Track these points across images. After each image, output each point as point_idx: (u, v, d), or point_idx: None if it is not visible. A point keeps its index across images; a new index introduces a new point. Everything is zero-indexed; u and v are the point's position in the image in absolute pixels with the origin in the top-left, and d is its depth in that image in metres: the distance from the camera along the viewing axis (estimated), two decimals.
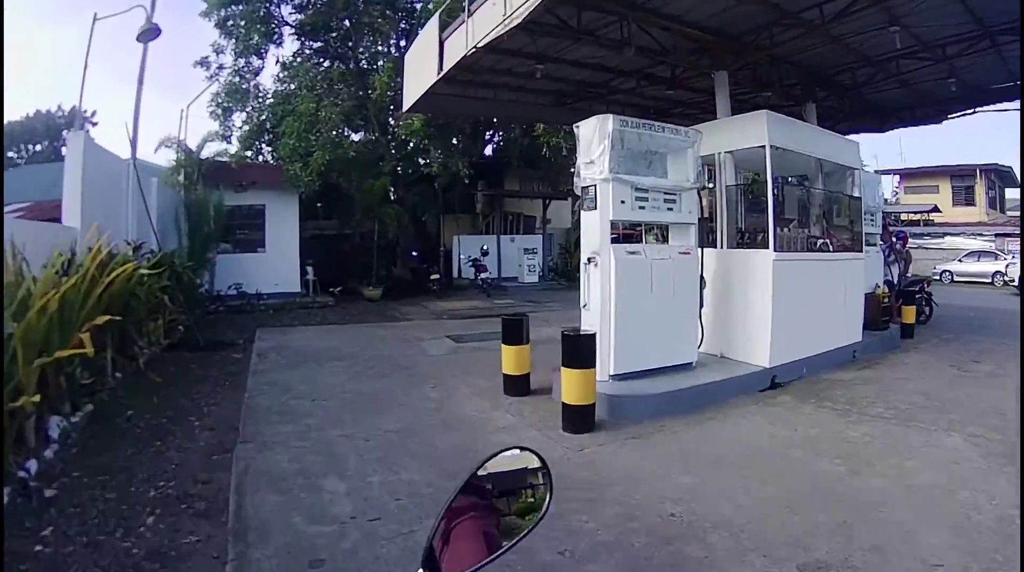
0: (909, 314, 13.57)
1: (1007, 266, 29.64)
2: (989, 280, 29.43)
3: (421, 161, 22.14)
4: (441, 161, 19.11)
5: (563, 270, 27.43)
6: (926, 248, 34.09)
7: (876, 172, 54.70)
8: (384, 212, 20.18)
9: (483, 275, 21.73)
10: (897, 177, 49.11)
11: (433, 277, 21.08)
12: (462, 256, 23.87)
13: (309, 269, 19.27)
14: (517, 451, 1.57)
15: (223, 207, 16.55)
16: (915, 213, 44.40)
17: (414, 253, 22.40)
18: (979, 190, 45.10)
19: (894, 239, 15.52)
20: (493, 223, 26.82)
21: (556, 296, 21.60)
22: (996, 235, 36.93)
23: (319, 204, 21.54)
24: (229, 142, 21.35)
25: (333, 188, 19.94)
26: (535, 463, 1.55)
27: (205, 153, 18.71)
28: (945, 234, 37.81)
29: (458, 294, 21.45)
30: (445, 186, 23.35)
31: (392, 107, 19.95)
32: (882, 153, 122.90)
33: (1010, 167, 45.91)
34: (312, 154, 17.86)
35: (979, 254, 32.09)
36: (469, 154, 20.64)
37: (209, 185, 16.78)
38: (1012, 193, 50.38)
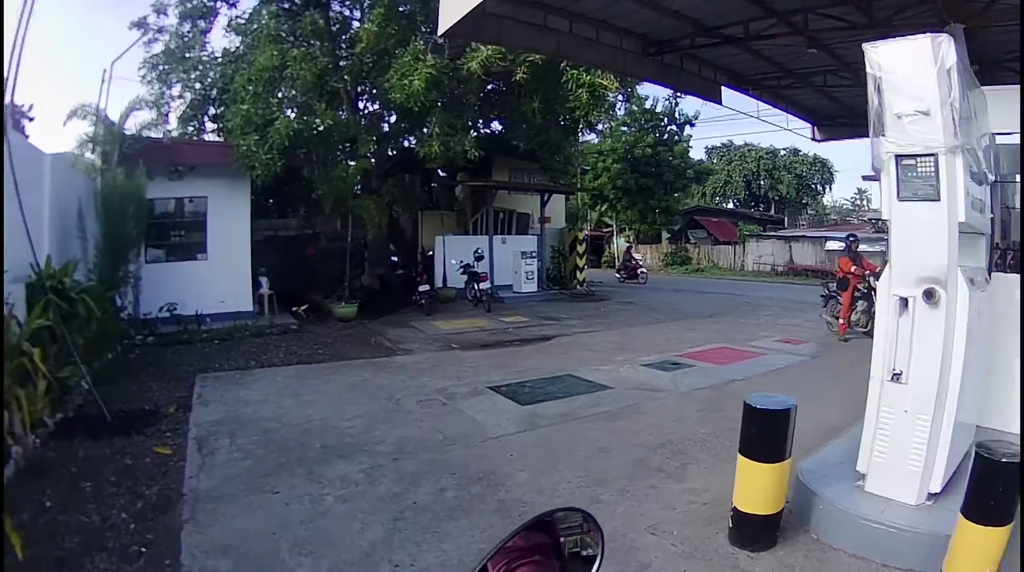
0: None
1: None
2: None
3: (413, 140, 17.23)
4: (442, 140, 14.64)
5: (557, 277, 23.66)
6: None
7: (864, 178, 53.93)
8: (361, 206, 15.54)
9: (482, 285, 17.50)
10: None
11: (422, 288, 16.58)
12: (452, 261, 19.21)
13: (263, 281, 14.58)
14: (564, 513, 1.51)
15: (145, 201, 11.89)
16: None
17: (394, 258, 18.06)
18: None
19: None
20: (481, 222, 22.34)
21: (567, 310, 17.94)
22: None
23: (271, 201, 17.16)
24: (166, 119, 16.78)
25: (294, 175, 15.46)
26: (586, 524, 1.50)
27: (132, 126, 13.92)
28: None
29: (450, 309, 17.23)
30: (424, 177, 19.33)
31: (374, 74, 15.48)
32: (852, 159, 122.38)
33: None
34: (272, 123, 13.29)
35: None
36: (475, 132, 16.27)
37: (134, 170, 11.83)
38: None
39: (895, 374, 4.25)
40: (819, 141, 19.92)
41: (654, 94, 31.69)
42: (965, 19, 7.71)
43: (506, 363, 10.54)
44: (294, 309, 14.46)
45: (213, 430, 6.69)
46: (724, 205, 58.45)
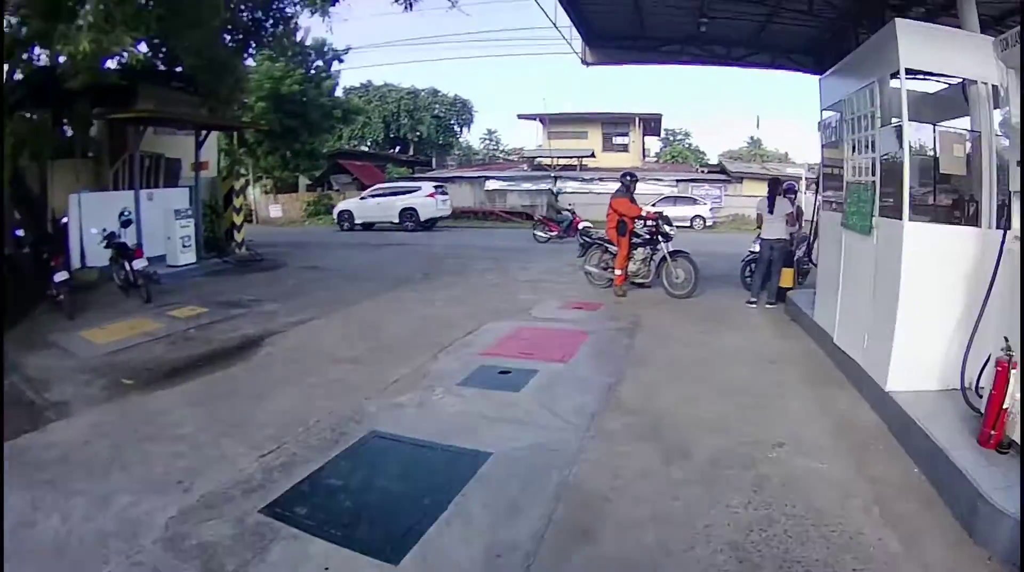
0: (788, 277, 11.89)
1: (710, 209, 35.27)
2: (688, 223, 32.47)
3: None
4: (93, 36, 9.15)
5: (212, 240, 18.60)
6: (597, 193, 35.85)
7: (519, 117, 55.79)
8: None
9: (138, 264, 12.20)
10: (540, 122, 50.25)
11: (58, 277, 10.93)
12: (92, 229, 13.31)
13: None
14: None
15: None
16: (570, 158, 45.16)
17: (17, 231, 12.56)
18: (635, 137, 48.06)
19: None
20: (124, 172, 16.61)
21: (246, 286, 14.09)
22: (678, 182, 40.79)
23: None
24: None
25: None
26: None
27: None
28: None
29: (97, 303, 11.85)
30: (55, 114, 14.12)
31: None
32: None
33: (660, 114, 52.20)
34: None
35: (675, 199, 35.46)
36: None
37: None
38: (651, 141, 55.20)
39: None
40: (589, 64, 18.56)
41: (309, 22, 27.57)
42: None
43: (235, 415, 6.44)
44: None
45: None
46: (361, 148, 56.73)
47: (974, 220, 6.31)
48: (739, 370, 7.83)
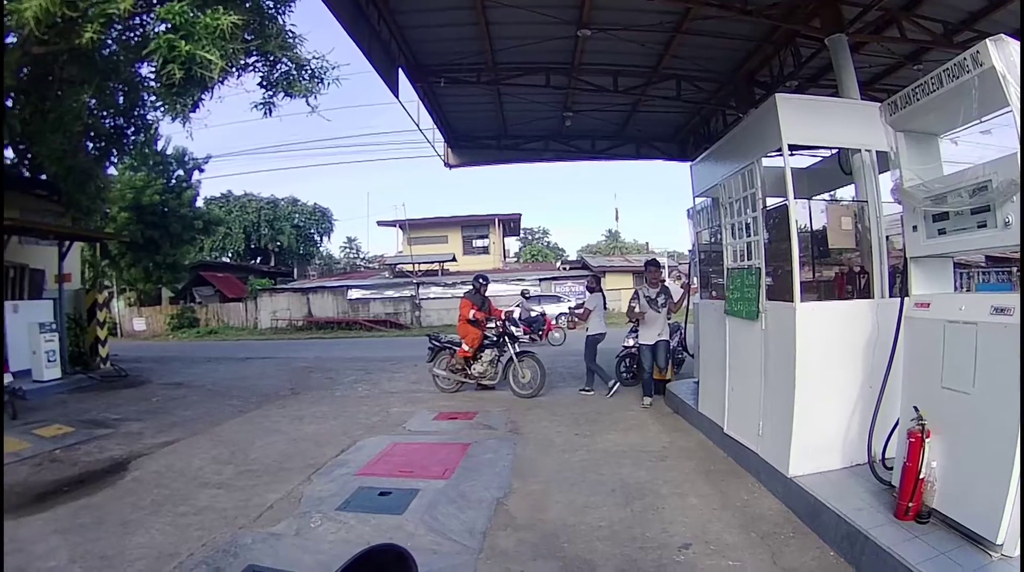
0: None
1: (571, 308, 33.39)
2: (553, 321, 31.39)
3: None
4: None
5: (76, 354, 17.48)
6: (460, 297, 33.52)
7: (379, 224, 55.51)
8: None
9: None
10: (400, 228, 49.66)
11: None
12: None
13: None
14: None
15: None
16: (432, 263, 45.19)
17: None
18: (495, 238, 47.72)
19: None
20: None
21: (112, 405, 12.88)
22: (540, 280, 40.49)
23: None
24: None
25: None
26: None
27: None
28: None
29: None
30: None
31: None
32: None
33: (519, 214, 52.66)
34: None
35: (539, 298, 34.41)
36: None
37: None
38: (510, 241, 55.72)
39: None
40: (452, 166, 18.44)
41: (169, 131, 26.96)
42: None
43: (104, 547, 5.54)
44: None
45: None
46: (222, 258, 55.31)
47: (866, 292, 6.36)
48: (630, 471, 7.47)
